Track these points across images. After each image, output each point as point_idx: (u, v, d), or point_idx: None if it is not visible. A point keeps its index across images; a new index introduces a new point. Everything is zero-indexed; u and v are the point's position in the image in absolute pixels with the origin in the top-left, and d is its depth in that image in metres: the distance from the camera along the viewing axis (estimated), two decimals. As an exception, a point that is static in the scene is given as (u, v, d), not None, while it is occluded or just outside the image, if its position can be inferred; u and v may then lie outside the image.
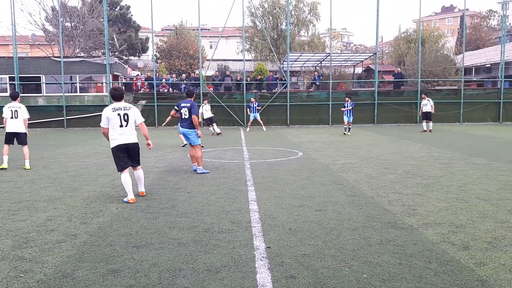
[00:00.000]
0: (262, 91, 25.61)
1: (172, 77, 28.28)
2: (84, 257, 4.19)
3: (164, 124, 9.98)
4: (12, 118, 9.64)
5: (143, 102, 24.19)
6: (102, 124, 6.40)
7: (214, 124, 18.94)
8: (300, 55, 29.40)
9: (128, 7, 39.40)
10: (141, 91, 25.89)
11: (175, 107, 9.10)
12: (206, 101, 19.83)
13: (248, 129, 21.48)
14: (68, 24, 33.91)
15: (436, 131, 19.38)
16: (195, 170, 8.96)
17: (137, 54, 40.56)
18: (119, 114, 6.31)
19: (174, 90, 25.92)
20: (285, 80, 25.23)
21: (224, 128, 22.74)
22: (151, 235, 4.84)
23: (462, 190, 7.01)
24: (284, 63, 27.62)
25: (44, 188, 7.59)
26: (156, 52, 32.82)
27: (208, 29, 54.80)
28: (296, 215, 5.61)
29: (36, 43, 36.85)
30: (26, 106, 10.07)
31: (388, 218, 5.40)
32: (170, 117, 9.76)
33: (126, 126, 6.36)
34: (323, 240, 4.61)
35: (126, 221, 5.43)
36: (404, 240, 4.56)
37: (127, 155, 6.47)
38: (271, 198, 6.59)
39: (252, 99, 21.44)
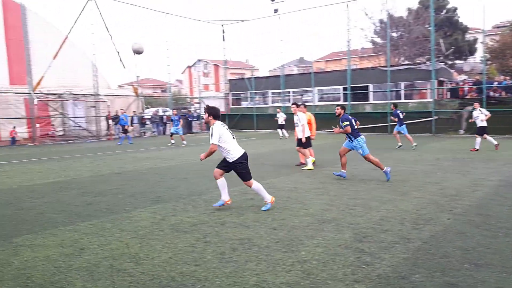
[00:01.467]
0: None
1: (505, 79, 24.84)
2: (419, 263, 4.24)
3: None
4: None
5: (469, 108, 22.30)
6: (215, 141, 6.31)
7: None
8: None
9: (455, 9, 37.27)
10: (468, 96, 24.02)
11: (348, 123, 9.13)
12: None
13: None
14: (394, 34, 35.40)
15: None
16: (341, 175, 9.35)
17: (463, 57, 37.84)
18: (227, 129, 6.49)
19: (508, 94, 22.65)
20: None
21: None
22: (491, 256, 4.39)
23: None
24: None
25: (374, 189, 8.16)
26: (485, 53, 29.59)
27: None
28: None
29: (365, 55, 40.44)
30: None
31: None
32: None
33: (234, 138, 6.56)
34: None
35: (460, 234, 5.14)
36: None
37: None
38: None
39: None
